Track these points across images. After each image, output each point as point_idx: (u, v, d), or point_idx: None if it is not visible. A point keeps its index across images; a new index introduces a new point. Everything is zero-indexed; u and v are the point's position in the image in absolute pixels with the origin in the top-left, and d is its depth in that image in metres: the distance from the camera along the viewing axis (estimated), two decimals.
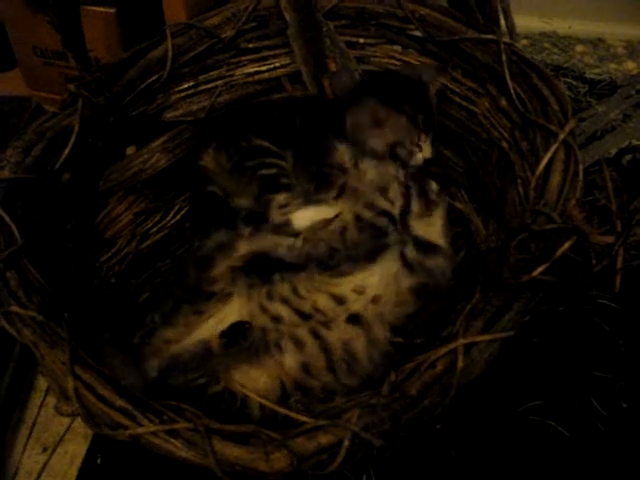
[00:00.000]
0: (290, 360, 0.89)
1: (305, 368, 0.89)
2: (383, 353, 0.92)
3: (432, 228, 1.04)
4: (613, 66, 1.64)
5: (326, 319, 0.92)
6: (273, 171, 1.07)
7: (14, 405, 1.05)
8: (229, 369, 0.89)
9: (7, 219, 0.81)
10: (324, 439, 0.65)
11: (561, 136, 0.84)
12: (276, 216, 1.04)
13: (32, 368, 1.09)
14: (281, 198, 1.05)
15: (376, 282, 0.95)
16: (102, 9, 1.21)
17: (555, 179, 0.81)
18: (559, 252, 0.71)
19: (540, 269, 0.71)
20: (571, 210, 0.76)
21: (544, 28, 1.75)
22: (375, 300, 0.94)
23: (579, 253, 0.73)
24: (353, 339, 0.91)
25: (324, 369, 0.89)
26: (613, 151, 1.20)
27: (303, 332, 0.91)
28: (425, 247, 1.00)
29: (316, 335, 0.91)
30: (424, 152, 1.08)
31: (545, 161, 0.83)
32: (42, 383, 1.08)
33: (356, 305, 0.93)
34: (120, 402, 0.68)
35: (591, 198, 0.80)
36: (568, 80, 1.58)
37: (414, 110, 1.06)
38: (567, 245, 0.71)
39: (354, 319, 0.92)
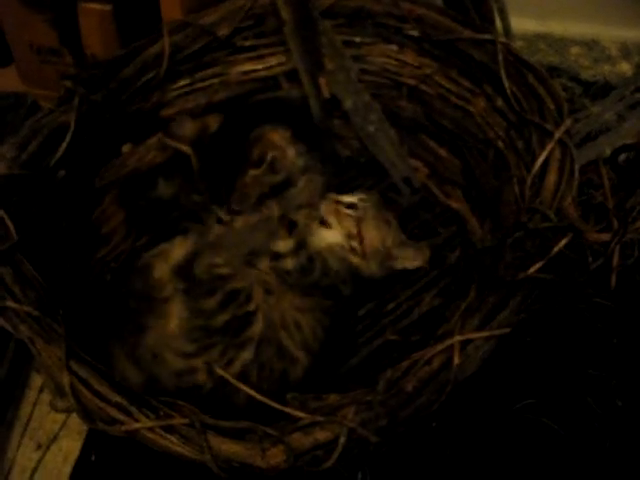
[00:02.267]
0: None
1: None
2: None
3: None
4: (607, 68, 1.64)
5: None
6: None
7: (8, 402, 1.05)
8: None
9: (3, 215, 0.81)
10: (320, 435, 0.66)
11: (557, 135, 0.84)
12: None
13: (26, 365, 1.08)
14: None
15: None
16: (99, 6, 1.20)
17: (551, 177, 0.82)
18: (555, 250, 0.71)
19: (536, 266, 0.72)
20: (567, 208, 0.77)
21: (539, 29, 1.75)
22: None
23: (575, 251, 0.73)
24: None
25: None
26: (607, 152, 1.20)
27: None
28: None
29: None
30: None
31: (541, 160, 0.83)
32: (36, 380, 1.07)
33: None
34: (116, 398, 0.68)
35: (587, 197, 0.80)
36: (563, 81, 1.58)
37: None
38: (563, 242, 0.71)
39: None
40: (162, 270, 0.95)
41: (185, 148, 1.02)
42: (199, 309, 0.90)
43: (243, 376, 0.86)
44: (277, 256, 0.97)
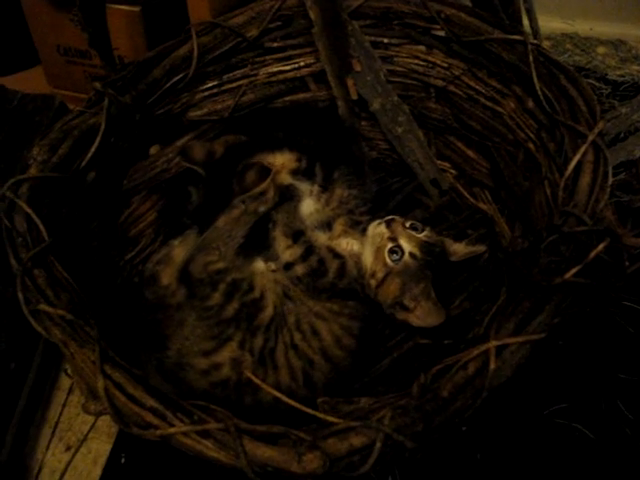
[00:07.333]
0: None
1: None
2: None
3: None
4: (635, 68, 1.63)
5: None
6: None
7: (37, 404, 1.05)
8: None
9: (34, 217, 0.81)
10: (356, 440, 0.64)
11: (590, 137, 0.83)
12: None
13: (55, 367, 1.09)
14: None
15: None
16: (127, 7, 1.22)
17: (584, 180, 0.80)
18: (592, 254, 0.70)
19: (573, 271, 0.70)
20: (602, 211, 0.76)
21: (565, 29, 1.74)
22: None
23: (611, 255, 0.72)
24: None
25: None
26: (637, 153, 1.19)
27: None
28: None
29: None
30: None
31: (574, 162, 0.82)
32: (65, 382, 1.08)
33: None
34: (151, 402, 0.67)
35: (626, 200, 0.79)
36: (590, 81, 1.57)
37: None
38: (601, 247, 0.70)
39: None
40: (169, 276, 0.97)
41: (200, 170, 1.04)
42: (207, 307, 0.92)
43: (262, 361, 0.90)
44: (287, 266, 0.99)
